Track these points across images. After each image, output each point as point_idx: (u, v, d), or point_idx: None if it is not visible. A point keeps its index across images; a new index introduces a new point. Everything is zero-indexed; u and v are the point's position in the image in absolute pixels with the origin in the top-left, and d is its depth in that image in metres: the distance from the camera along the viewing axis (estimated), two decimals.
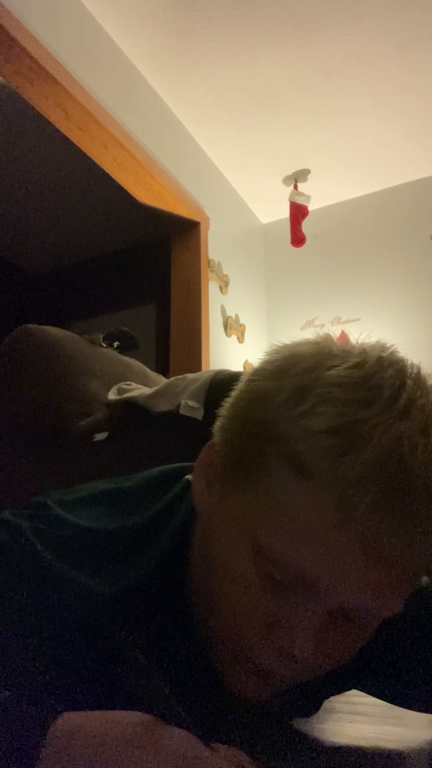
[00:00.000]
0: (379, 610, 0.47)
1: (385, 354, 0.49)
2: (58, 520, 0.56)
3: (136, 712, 0.39)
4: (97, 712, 0.39)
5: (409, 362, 0.50)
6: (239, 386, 0.54)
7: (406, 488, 0.43)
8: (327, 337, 0.53)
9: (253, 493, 0.48)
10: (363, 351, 0.50)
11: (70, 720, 0.37)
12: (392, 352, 0.50)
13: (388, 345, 0.51)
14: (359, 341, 0.52)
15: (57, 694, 0.49)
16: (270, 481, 0.47)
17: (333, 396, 0.45)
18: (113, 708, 0.40)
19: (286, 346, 0.54)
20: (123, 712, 0.39)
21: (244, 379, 0.54)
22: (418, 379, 0.48)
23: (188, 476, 0.63)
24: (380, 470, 0.43)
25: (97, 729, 0.37)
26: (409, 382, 0.47)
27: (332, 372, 0.47)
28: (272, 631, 0.48)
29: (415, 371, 0.49)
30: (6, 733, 0.36)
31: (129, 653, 0.44)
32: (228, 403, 0.55)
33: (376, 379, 0.46)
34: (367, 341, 0.52)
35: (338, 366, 0.47)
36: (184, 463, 0.66)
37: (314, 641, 0.46)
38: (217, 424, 0.55)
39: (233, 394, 0.55)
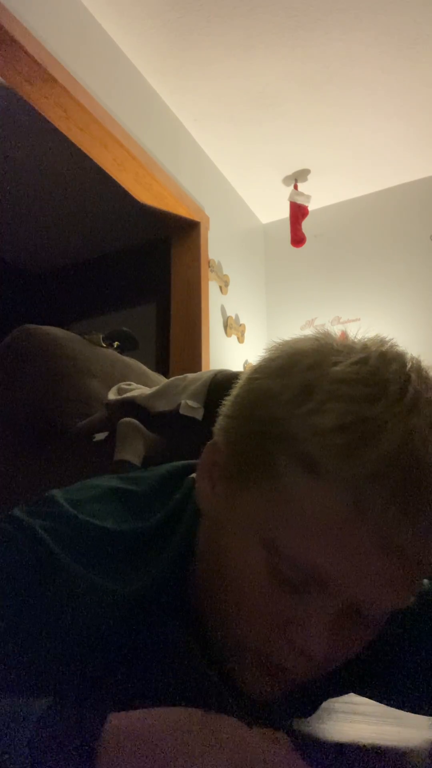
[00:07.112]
0: (391, 604, 0.47)
1: (385, 348, 0.49)
2: (69, 518, 0.55)
3: (179, 707, 0.39)
4: (141, 711, 0.38)
5: (409, 355, 0.50)
6: (240, 385, 0.54)
7: (418, 482, 0.43)
8: (326, 333, 0.53)
9: (263, 492, 0.48)
10: (365, 346, 0.50)
11: (118, 721, 0.37)
12: (392, 346, 0.50)
13: (387, 339, 0.51)
14: (358, 336, 0.52)
15: (95, 697, 0.49)
16: (281, 480, 0.46)
17: (340, 393, 0.45)
18: (150, 702, 0.40)
19: (286, 343, 0.53)
20: (167, 708, 0.39)
21: (244, 377, 0.54)
22: (420, 371, 0.48)
23: (193, 475, 0.63)
24: (393, 466, 0.43)
25: (148, 726, 0.37)
26: (413, 375, 0.47)
27: (337, 368, 0.47)
28: (286, 629, 0.48)
29: (415, 364, 0.49)
30: (58, 743, 0.35)
31: (179, 640, 0.43)
32: (228, 402, 0.54)
33: (381, 374, 0.46)
34: (366, 336, 0.52)
35: (342, 362, 0.47)
36: (191, 461, 0.66)
37: (328, 637, 0.47)
38: (219, 424, 0.55)
39: (233, 392, 0.54)
